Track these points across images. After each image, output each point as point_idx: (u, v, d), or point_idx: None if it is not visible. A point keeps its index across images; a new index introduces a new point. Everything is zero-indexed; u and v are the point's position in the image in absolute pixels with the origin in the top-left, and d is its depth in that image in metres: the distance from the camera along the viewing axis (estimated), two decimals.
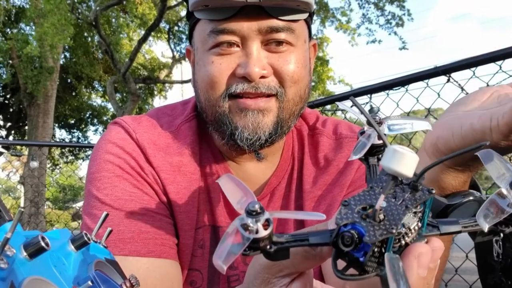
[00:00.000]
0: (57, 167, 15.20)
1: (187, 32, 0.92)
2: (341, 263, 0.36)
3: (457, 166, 0.62)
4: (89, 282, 0.35)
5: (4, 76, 11.94)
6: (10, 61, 10.98)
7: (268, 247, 0.35)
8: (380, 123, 0.47)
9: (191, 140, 0.88)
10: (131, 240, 0.78)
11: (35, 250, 0.32)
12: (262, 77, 0.80)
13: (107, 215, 0.47)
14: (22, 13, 11.53)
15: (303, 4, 0.80)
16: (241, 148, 0.84)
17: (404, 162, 0.33)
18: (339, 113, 2.69)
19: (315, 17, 12.77)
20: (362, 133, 0.46)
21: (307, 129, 0.98)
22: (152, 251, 0.78)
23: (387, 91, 2.09)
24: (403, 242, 0.37)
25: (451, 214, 0.62)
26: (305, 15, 0.84)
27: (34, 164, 6.59)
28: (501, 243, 1.32)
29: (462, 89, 1.82)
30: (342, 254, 0.35)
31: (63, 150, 15.19)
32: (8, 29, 12.08)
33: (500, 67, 1.75)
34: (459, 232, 0.41)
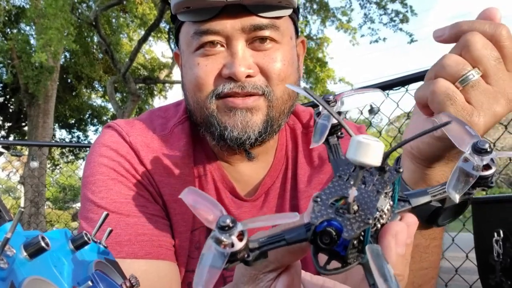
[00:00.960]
0: (57, 167, 15.21)
1: None
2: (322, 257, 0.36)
3: (439, 161, 0.63)
4: (89, 282, 0.35)
5: (5, 76, 11.94)
6: (10, 61, 10.98)
7: (245, 256, 0.34)
8: (335, 101, 0.46)
9: (184, 142, 0.88)
10: (128, 242, 0.78)
11: (35, 250, 0.32)
12: (249, 76, 0.80)
13: (107, 215, 0.47)
14: (22, 13, 11.53)
15: (284, 0, 0.79)
16: (232, 148, 0.84)
17: (370, 152, 0.33)
18: None
19: (315, 17, 12.84)
20: (318, 114, 0.45)
21: (301, 127, 0.98)
22: (149, 253, 0.78)
23: (387, 91, 2.09)
24: (378, 225, 0.37)
25: (443, 213, 0.62)
26: (289, 11, 0.83)
27: (34, 164, 6.59)
28: (501, 243, 1.32)
29: None
30: (321, 249, 0.35)
31: (63, 150, 15.20)
32: (8, 29, 12.09)
33: None
34: (429, 202, 0.40)
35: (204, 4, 0.78)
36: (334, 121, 0.44)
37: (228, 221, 0.32)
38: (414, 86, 1.97)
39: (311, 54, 12.96)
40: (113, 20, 13.68)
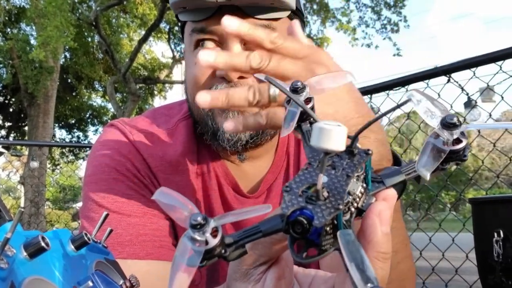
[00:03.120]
0: (58, 167, 15.21)
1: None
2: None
3: None
4: (89, 282, 0.35)
5: (5, 76, 11.95)
6: (10, 61, 10.99)
7: (223, 251, 0.34)
8: (303, 87, 0.44)
9: (188, 138, 0.89)
10: (129, 243, 0.78)
11: (35, 250, 0.32)
12: (241, 77, 0.80)
13: (107, 215, 0.47)
14: (23, 13, 11.53)
15: (277, 2, 0.79)
16: (225, 148, 0.84)
17: (333, 138, 0.32)
18: None
19: (315, 18, 12.83)
20: (288, 101, 0.44)
21: None
22: (150, 254, 0.78)
23: (387, 92, 2.10)
24: (352, 209, 0.36)
25: None
26: (286, 13, 0.83)
27: (34, 164, 6.59)
28: (501, 243, 1.32)
29: (462, 89, 1.82)
30: (296, 239, 0.35)
31: (63, 150, 15.20)
32: (9, 29, 12.09)
33: (500, 67, 1.75)
34: (404, 181, 0.40)
35: (198, 5, 0.78)
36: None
37: (199, 218, 0.32)
38: (414, 86, 1.97)
39: None
40: (113, 20, 13.68)
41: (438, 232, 2.22)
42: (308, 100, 0.44)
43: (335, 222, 0.34)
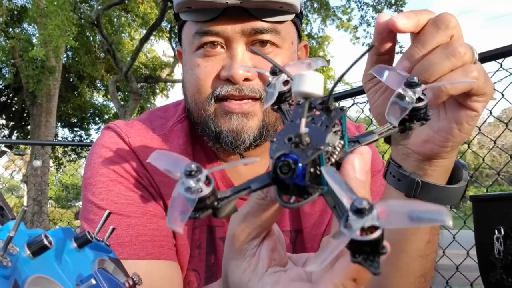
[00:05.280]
0: (62, 166, 15.22)
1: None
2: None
3: (419, 155, 0.63)
4: (92, 280, 0.35)
5: (7, 76, 11.96)
6: (13, 61, 10.99)
7: (215, 203, 0.36)
8: (280, 71, 0.50)
9: (183, 141, 0.89)
10: (129, 243, 0.78)
11: (38, 248, 0.32)
12: (246, 79, 0.80)
13: (109, 213, 0.47)
14: (24, 12, 11.53)
15: (286, 6, 0.79)
16: (227, 150, 0.84)
17: (310, 82, 0.37)
18: None
19: (316, 16, 12.79)
20: (268, 85, 0.49)
21: None
22: (151, 253, 0.79)
23: None
24: (332, 160, 0.39)
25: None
26: (291, 16, 0.83)
27: (37, 163, 6.61)
28: (502, 240, 1.32)
29: None
30: (284, 189, 0.38)
31: (66, 149, 15.20)
32: (11, 29, 12.09)
33: (501, 64, 1.75)
34: (377, 139, 0.44)
35: (205, 5, 0.78)
36: (282, 89, 0.48)
37: (193, 166, 0.34)
38: None
39: (312, 53, 12.92)
40: (115, 20, 13.66)
41: (440, 233, 2.21)
42: (286, 82, 0.48)
43: (318, 170, 0.37)
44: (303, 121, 0.37)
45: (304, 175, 0.36)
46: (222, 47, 0.81)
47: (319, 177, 0.37)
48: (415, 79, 0.43)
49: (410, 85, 0.43)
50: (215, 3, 0.76)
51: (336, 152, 0.39)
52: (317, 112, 0.41)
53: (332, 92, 0.40)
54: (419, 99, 0.43)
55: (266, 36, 0.81)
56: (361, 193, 0.37)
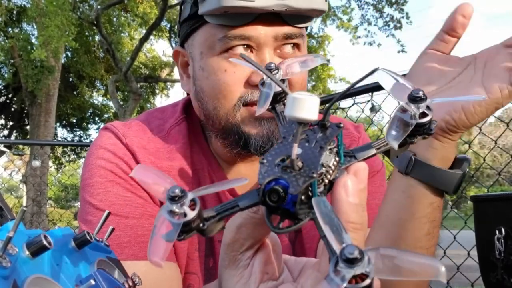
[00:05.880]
0: (62, 166, 15.22)
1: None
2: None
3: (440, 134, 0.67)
4: (92, 281, 0.35)
5: (6, 75, 11.96)
6: (12, 60, 11.00)
7: (201, 225, 0.35)
8: (277, 68, 0.47)
9: (181, 144, 0.88)
10: (128, 244, 0.78)
11: (37, 249, 0.32)
12: None
13: (108, 214, 0.47)
14: (24, 12, 11.53)
15: (319, 13, 0.80)
16: (246, 155, 0.84)
17: (306, 107, 0.34)
18: (339, 111, 2.69)
19: None
20: (263, 84, 0.47)
21: None
22: None
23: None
24: (326, 180, 0.37)
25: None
26: (313, 20, 0.85)
27: (36, 163, 6.60)
28: (503, 240, 1.32)
29: None
30: (273, 210, 0.36)
31: (65, 149, 15.21)
32: (10, 28, 12.10)
33: None
34: (374, 154, 0.42)
35: (244, 10, 0.76)
36: (277, 89, 0.45)
37: (177, 190, 0.33)
38: None
39: (312, 52, 12.95)
40: (114, 19, 13.67)
41: (440, 230, 2.22)
42: (281, 81, 0.46)
43: (310, 192, 0.35)
44: (295, 147, 0.35)
45: (295, 202, 0.34)
46: (251, 51, 0.80)
47: (310, 200, 0.35)
48: (420, 93, 0.40)
49: (414, 100, 0.40)
50: (257, 8, 0.75)
51: (331, 172, 0.38)
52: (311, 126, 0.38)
53: (329, 110, 0.38)
54: (423, 114, 0.40)
55: (294, 41, 0.81)
56: (353, 217, 0.37)
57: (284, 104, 0.47)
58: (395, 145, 0.40)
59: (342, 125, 0.39)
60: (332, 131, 0.38)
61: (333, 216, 0.32)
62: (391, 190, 0.74)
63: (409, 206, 0.71)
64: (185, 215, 0.33)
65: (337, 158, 0.39)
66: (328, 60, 13.70)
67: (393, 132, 0.40)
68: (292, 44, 0.82)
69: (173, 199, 0.33)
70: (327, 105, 0.38)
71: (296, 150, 0.35)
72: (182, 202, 0.33)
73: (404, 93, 0.41)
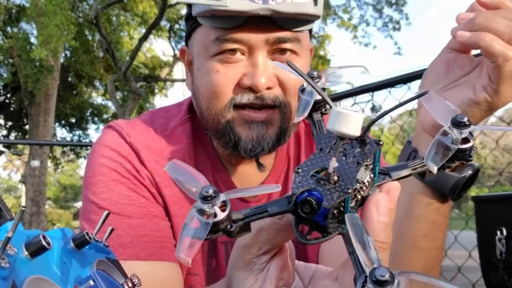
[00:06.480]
0: (59, 166, 15.24)
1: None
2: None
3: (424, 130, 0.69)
4: (91, 281, 0.35)
5: (5, 75, 11.97)
6: (11, 60, 11.01)
7: (229, 226, 0.35)
8: (319, 77, 0.46)
9: (185, 144, 0.88)
10: (130, 244, 0.78)
11: (36, 249, 0.32)
12: (268, 88, 0.80)
13: (108, 214, 0.46)
14: (22, 11, 11.55)
15: (312, 17, 0.79)
16: (243, 157, 0.84)
17: (350, 122, 0.33)
18: None
19: None
20: (302, 90, 0.46)
21: (304, 126, 0.98)
22: (151, 254, 0.78)
23: (389, 89, 2.09)
24: (359, 196, 0.37)
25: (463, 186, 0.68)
26: (312, 25, 0.84)
27: (35, 163, 6.61)
28: (504, 241, 1.32)
29: None
30: (303, 220, 0.36)
31: (64, 149, 15.24)
32: (9, 28, 12.11)
33: None
34: (409, 175, 0.41)
35: (233, 14, 0.76)
36: (317, 97, 0.45)
37: (210, 191, 0.33)
38: (416, 84, 1.96)
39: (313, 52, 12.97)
40: (114, 18, 13.68)
41: (445, 235, 2.22)
42: (322, 90, 0.45)
43: (342, 207, 0.35)
44: (333, 160, 0.34)
45: (326, 215, 0.34)
46: (243, 54, 0.80)
47: (341, 214, 0.35)
48: (465, 119, 0.39)
49: (458, 124, 0.39)
50: (243, 12, 0.75)
51: (364, 188, 0.37)
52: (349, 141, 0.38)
53: (370, 127, 0.37)
54: (465, 140, 0.40)
55: (287, 45, 0.81)
56: (382, 237, 0.37)
57: (321, 113, 0.47)
58: (434, 169, 0.39)
59: (381, 143, 0.39)
60: (371, 148, 0.38)
61: (365, 234, 0.32)
62: None
63: (407, 203, 0.72)
64: (215, 215, 0.33)
65: (371, 175, 0.38)
66: (328, 60, 13.73)
67: (433, 154, 0.39)
68: (285, 50, 0.81)
69: (205, 198, 0.33)
70: (369, 120, 0.38)
71: (334, 164, 0.35)
72: (214, 203, 0.33)
73: (448, 116, 0.40)
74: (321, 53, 13.60)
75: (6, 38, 10.98)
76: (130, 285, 0.39)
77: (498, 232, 1.31)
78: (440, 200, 0.72)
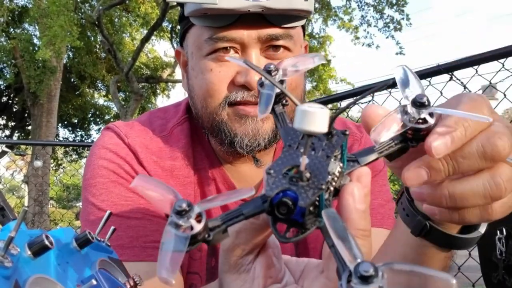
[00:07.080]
0: (61, 167, 15.23)
1: None
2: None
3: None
4: (93, 281, 0.35)
5: (8, 76, 11.98)
6: (14, 61, 11.02)
7: (206, 236, 0.35)
8: (276, 69, 0.45)
9: (183, 144, 0.88)
10: (130, 245, 0.78)
11: (39, 249, 0.32)
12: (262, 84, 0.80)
13: (110, 214, 0.47)
14: (25, 12, 11.55)
15: (304, 12, 0.79)
16: (240, 154, 0.84)
17: (317, 120, 0.32)
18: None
19: (317, 16, 12.81)
20: (261, 84, 0.45)
21: None
22: (151, 255, 0.78)
23: (389, 90, 2.09)
24: (331, 188, 0.37)
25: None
26: (304, 21, 0.84)
27: (38, 163, 6.61)
28: (504, 241, 1.31)
29: (465, 87, 1.81)
30: (279, 219, 0.36)
31: (67, 149, 15.22)
32: (12, 29, 12.11)
33: (503, 65, 1.74)
34: (377, 159, 0.41)
35: (223, 12, 0.77)
36: (278, 89, 0.44)
37: (184, 205, 0.33)
38: None
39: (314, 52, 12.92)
40: (116, 20, 13.68)
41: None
42: (281, 82, 0.45)
43: (317, 202, 0.35)
44: (305, 159, 0.34)
45: (303, 213, 0.34)
46: (236, 52, 0.81)
47: (317, 208, 0.35)
48: (424, 99, 0.39)
49: (417, 104, 0.40)
50: (233, 10, 0.75)
51: (336, 179, 0.37)
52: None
53: (334, 120, 0.37)
54: (424, 120, 0.40)
55: (280, 42, 0.81)
56: (362, 225, 0.37)
57: (283, 105, 0.46)
58: (378, 140, 0.40)
59: (347, 132, 0.39)
60: (338, 139, 0.38)
61: (343, 227, 0.32)
62: (398, 244, 0.67)
63: (420, 261, 0.64)
64: (191, 228, 0.33)
65: (341, 164, 0.38)
66: (329, 61, 13.69)
67: (383, 128, 0.40)
68: (278, 46, 0.81)
69: (179, 213, 0.33)
70: (333, 112, 0.38)
71: (305, 163, 0.34)
72: (189, 216, 0.33)
73: (412, 95, 0.41)
74: (322, 53, 13.56)
75: (9, 39, 10.98)
76: (132, 284, 0.39)
77: (498, 232, 1.30)
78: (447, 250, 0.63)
